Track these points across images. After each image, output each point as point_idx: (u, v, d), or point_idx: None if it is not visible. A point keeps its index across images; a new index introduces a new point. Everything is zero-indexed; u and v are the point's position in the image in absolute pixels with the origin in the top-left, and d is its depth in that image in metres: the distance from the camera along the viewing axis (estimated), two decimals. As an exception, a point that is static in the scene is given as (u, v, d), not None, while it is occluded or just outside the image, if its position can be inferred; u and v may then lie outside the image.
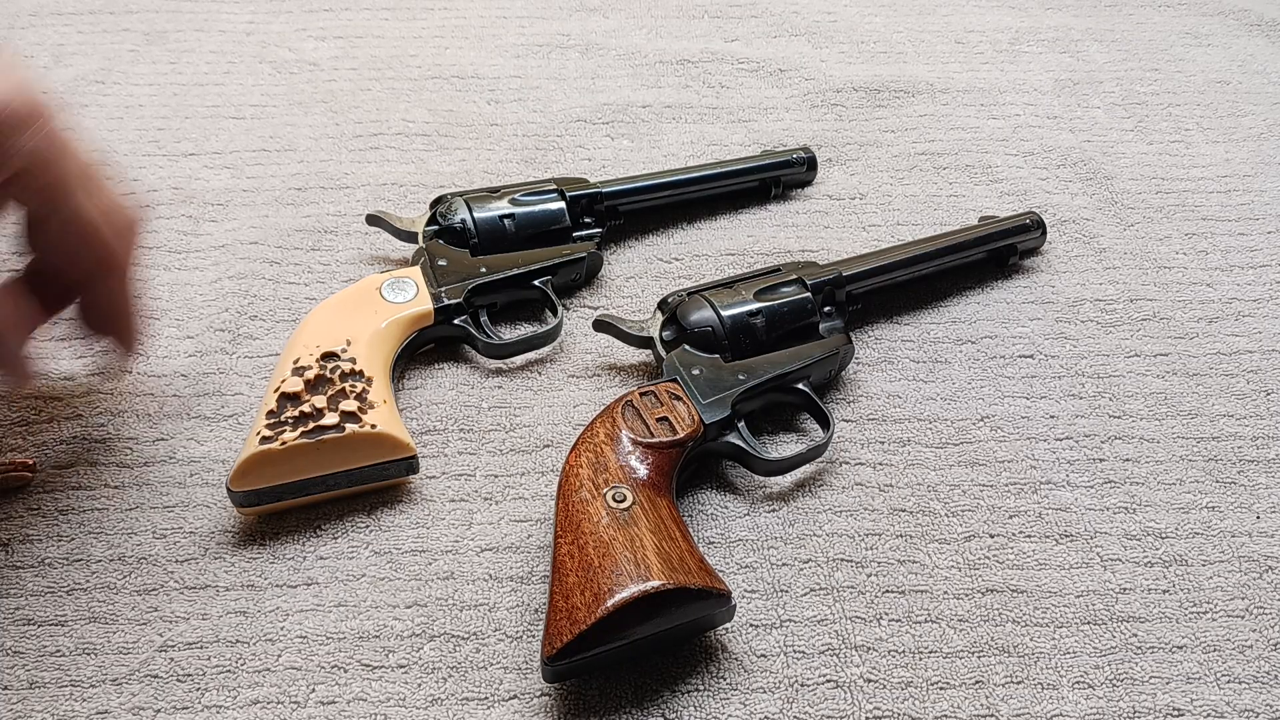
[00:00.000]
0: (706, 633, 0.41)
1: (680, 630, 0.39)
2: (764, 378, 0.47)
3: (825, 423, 0.47)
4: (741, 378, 0.47)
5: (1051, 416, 0.50)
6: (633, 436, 0.43)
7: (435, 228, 0.55)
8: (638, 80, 0.75)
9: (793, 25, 0.82)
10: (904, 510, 0.46)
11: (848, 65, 0.77)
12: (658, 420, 0.44)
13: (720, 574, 0.41)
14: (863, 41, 0.80)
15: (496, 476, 0.47)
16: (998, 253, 0.58)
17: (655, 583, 0.37)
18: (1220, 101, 0.73)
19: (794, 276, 0.51)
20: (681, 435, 0.44)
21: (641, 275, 0.58)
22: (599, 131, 0.69)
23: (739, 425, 0.46)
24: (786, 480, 0.47)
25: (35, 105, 0.37)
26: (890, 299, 0.56)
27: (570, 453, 0.43)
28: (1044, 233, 0.59)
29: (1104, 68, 0.77)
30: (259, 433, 0.43)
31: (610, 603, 0.36)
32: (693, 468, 0.47)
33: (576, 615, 0.37)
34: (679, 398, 0.45)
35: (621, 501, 0.40)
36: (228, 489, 0.43)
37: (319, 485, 0.44)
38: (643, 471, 0.42)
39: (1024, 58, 0.78)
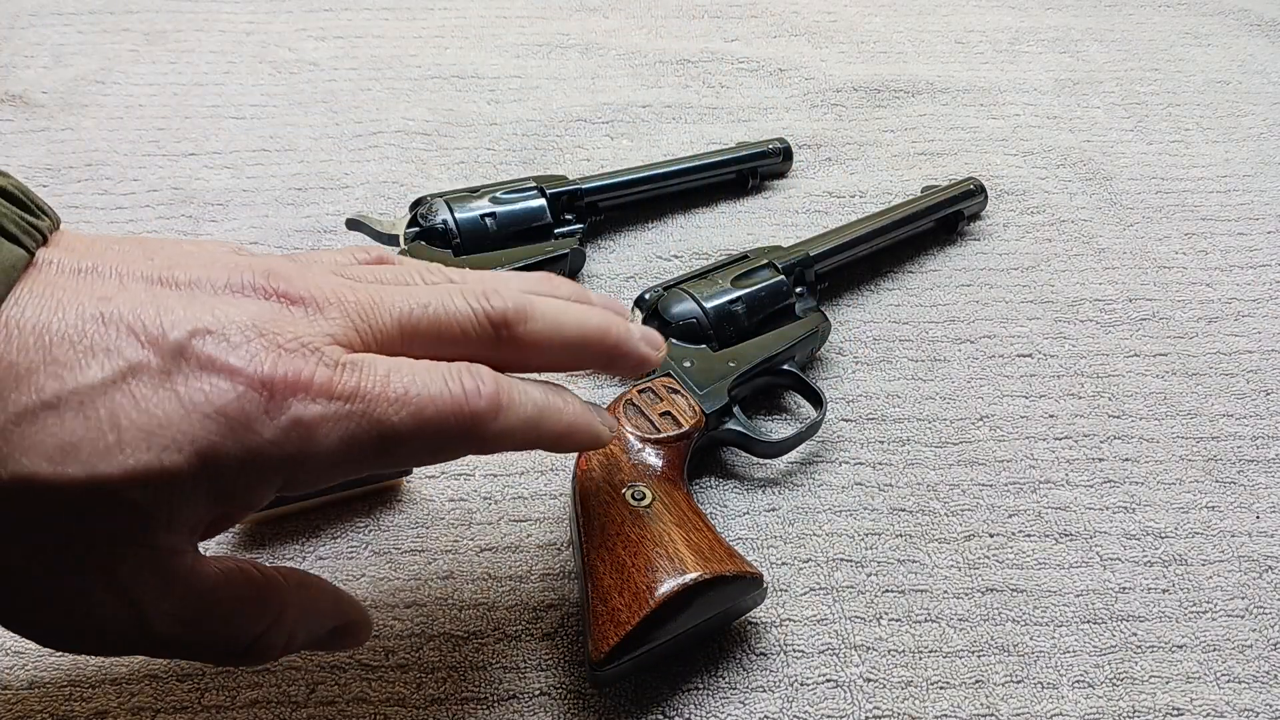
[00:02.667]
0: (741, 617, 0.41)
1: (718, 618, 0.39)
2: (754, 362, 0.48)
3: (818, 401, 0.48)
4: (732, 365, 0.48)
5: (1051, 416, 0.50)
6: (640, 434, 0.43)
7: (416, 229, 0.55)
8: (638, 80, 0.75)
9: (793, 25, 0.82)
10: (903, 510, 0.46)
11: (848, 65, 0.77)
12: (660, 415, 0.44)
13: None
14: (863, 41, 0.80)
15: (496, 476, 0.47)
16: (947, 220, 0.61)
17: (693, 574, 0.37)
18: (1220, 101, 0.73)
19: (765, 261, 0.52)
20: (687, 427, 0.44)
21: (642, 274, 0.58)
22: (599, 131, 0.69)
23: (735, 411, 0.47)
24: (785, 480, 0.47)
25: None
26: (865, 284, 0.57)
27: (579, 457, 0.43)
28: (986, 197, 0.62)
29: (1104, 68, 0.77)
30: None
31: (653, 599, 0.36)
32: (695, 461, 0.47)
33: (619, 616, 0.37)
34: (676, 391, 0.46)
35: (641, 499, 0.40)
36: None
37: (314, 490, 0.44)
38: (656, 467, 0.42)
39: (1024, 58, 0.78)
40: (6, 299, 0.25)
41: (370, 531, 0.45)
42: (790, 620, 0.41)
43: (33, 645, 0.40)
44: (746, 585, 0.39)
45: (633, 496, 0.40)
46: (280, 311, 0.28)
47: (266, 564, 0.30)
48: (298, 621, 0.30)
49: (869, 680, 0.40)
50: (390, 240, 0.56)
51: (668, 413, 0.44)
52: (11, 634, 0.41)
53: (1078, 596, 0.43)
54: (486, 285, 0.32)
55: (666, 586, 0.37)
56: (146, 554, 0.26)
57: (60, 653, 0.40)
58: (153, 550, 0.26)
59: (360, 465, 0.28)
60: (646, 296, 0.51)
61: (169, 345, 0.26)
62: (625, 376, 0.36)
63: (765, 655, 0.40)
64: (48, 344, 0.25)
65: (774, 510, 0.46)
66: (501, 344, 0.32)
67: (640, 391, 0.45)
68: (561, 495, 0.46)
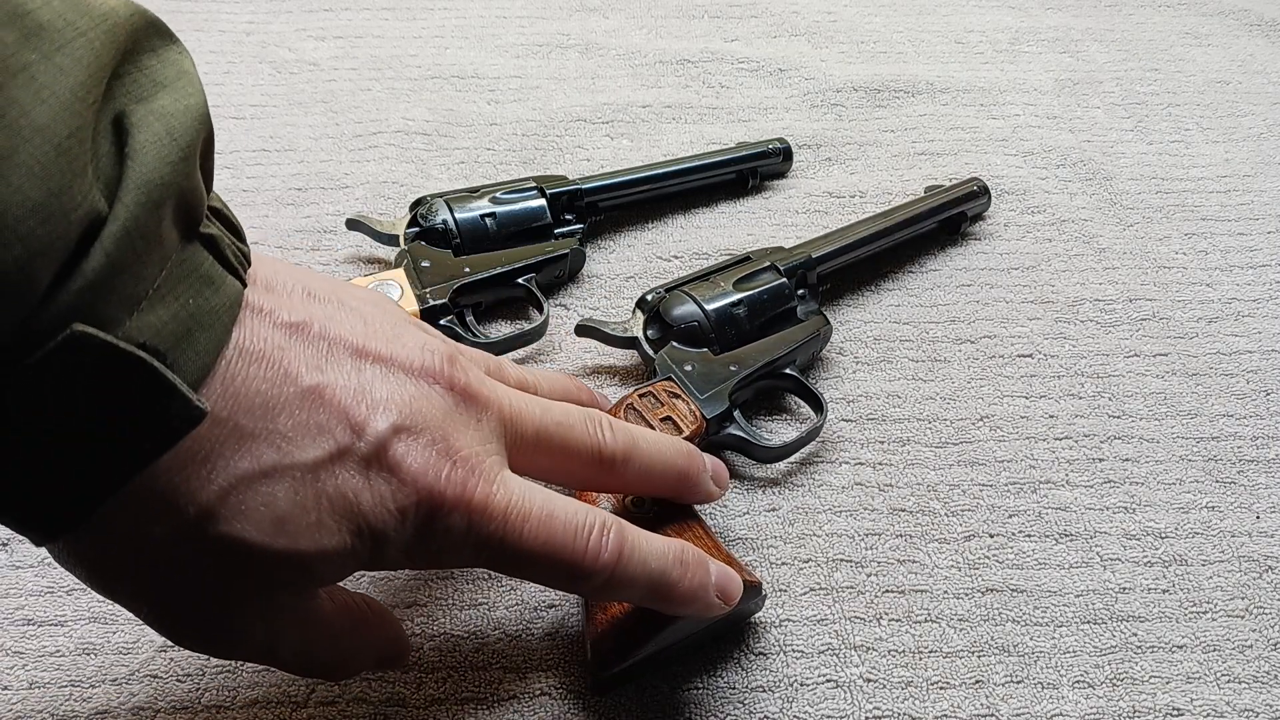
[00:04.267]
0: (741, 623, 0.41)
1: (717, 625, 0.39)
2: (755, 367, 0.48)
3: (818, 405, 0.48)
4: (733, 369, 0.47)
5: (1051, 416, 0.50)
6: None
7: (416, 229, 0.55)
8: (638, 80, 0.75)
9: (793, 25, 0.82)
10: (904, 510, 0.46)
11: (848, 65, 0.77)
12: (661, 420, 0.44)
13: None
14: (863, 41, 0.80)
15: (496, 476, 0.47)
16: (950, 220, 0.60)
17: None
18: (1220, 101, 0.73)
19: (767, 263, 0.52)
20: (688, 432, 0.44)
21: (642, 274, 0.58)
22: (599, 131, 0.69)
23: (736, 415, 0.47)
24: (785, 480, 0.47)
25: None
26: (866, 284, 0.57)
27: None
28: (989, 198, 0.62)
29: (1104, 68, 0.77)
30: None
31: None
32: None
33: (618, 624, 0.37)
34: (678, 395, 0.45)
35: (641, 506, 0.40)
36: None
37: None
38: None
39: (1024, 58, 0.78)
40: (229, 345, 0.26)
41: (370, 531, 0.45)
42: (790, 620, 0.41)
43: (33, 646, 0.40)
44: (746, 592, 0.39)
45: (633, 504, 0.40)
46: (458, 412, 0.31)
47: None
48: (377, 649, 0.34)
49: (869, 680, 0.40)
50: (390, 240, 0.56)
51: (668, 418, 0.44)
52: (11, 635, 0.41)
53: (1078, 597, 0.43)
54: (602, 417, 0.36)
55: None
56: (299, 602, 0.29)
57: (57, 651, 0.40)
58: (303, 600, 0.29)
59: (471, 565, 0.32)
60: (648, 298, 0.51)
61: (373, 436, 0.28)
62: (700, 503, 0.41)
63: (765, 655, 0.40)
64: (271, 412, 0.27)
65: (774, 510, 0.46)
66: (603, 475, 0.36)
67: (641, 396, 0.45)
68: (561, 495, 0.46)
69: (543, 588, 0.42)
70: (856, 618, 0.42)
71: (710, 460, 0.40)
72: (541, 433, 0.34)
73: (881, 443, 0.49)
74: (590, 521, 0.32)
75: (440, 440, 0.30)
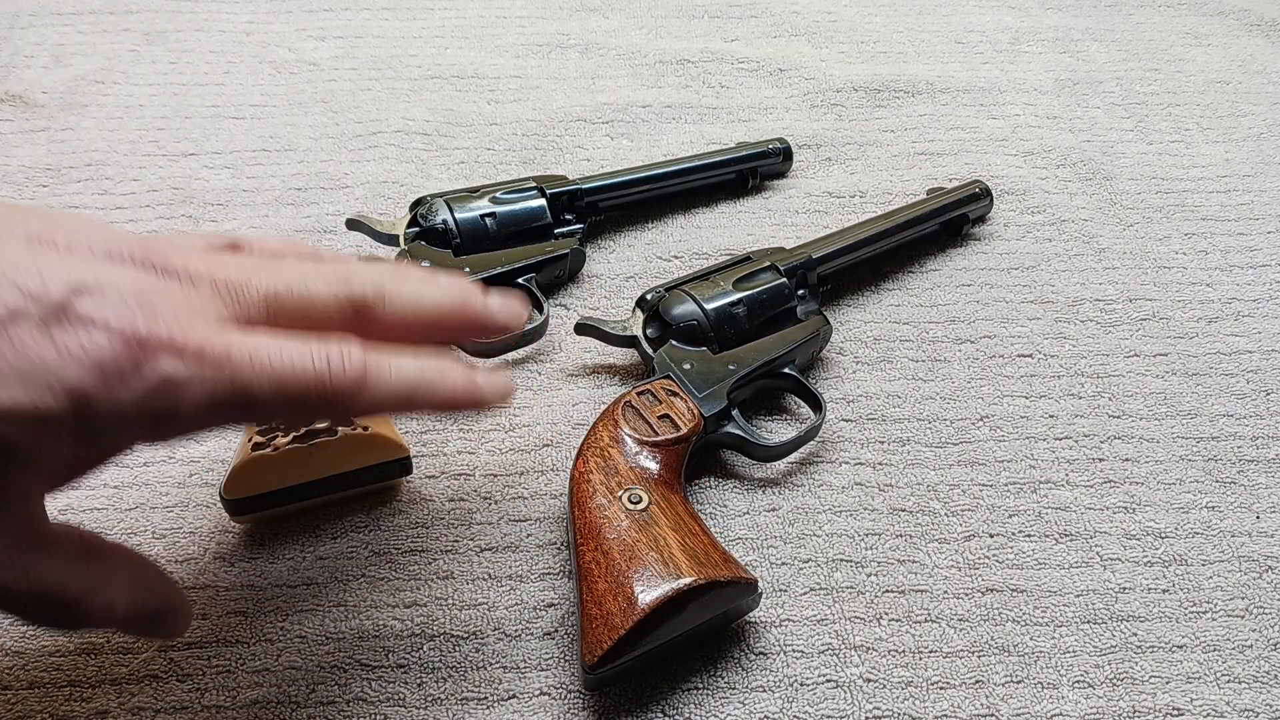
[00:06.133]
0: (736, 621, 0.41)
1: (713, 622, 0.39)
2: (754, 366, 0.48)
3: (817, 404, 0.48)
4: (732, 368, 0.47)
5: (1051, 416, 0.50)
6: (637, 436, 0.43)
7: (416, 229, 0.55)
8: (638, 80, 0.75)
9: (793, 25, 0.82)
10: (904, 510, 0.46)
11: (848, 65, 0.77)
12: (659, 418, 0.44)
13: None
14: (863, 41, 0.80)
15: (496, 476, 0.47)
16: (952, 223, 0.60)
17: (687, 579, 0.37)
18: (1220, 101, 0.73)
19: (767, 263, 0.52)
20: (685, 430, 0.44)
21: (642, 274, 0.58)
22: (599, 131, 0.69)
23: (734, 414, 0.47)
24: (785, 480, 0.47)
25: None
26: (866, 284, 0.57)
27: (577, 459, 0.43)
28: (991, 200, 0.62)
29: (1104, 68, 0.77)
30: (251, 440, 0.43)
31: (647, 604, 0.36)
32: (694, 462, 0.47)
33: (613, 621, 0.37)
34: (675, 393, 0.45)
35: (638, 503, 0.40)
36: (222, 498, 0.42)
37: (313, 490, 0.44)
38: (653, 470, 0.42)
39: (1024, 58, 0.78)
40: None
41: (370, 531, 0.45)
42: (790, 620, 0.41)
43: (34, 645, 0.40)
44: (741, 590, 0.39)
45: (630, 500, 0.40)
46: (156, 281, 0.29)
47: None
48: (122, 591, 0.31)
49: (869, 680, 0.40)
50: (390, 240, 0.56)
51: (666, 415, 0.44)
52: (12, 636, 0.41)
53: (1078, 596, 0.43)
54: (348, 269, 0.33)
55: (661, 591, 0.37)
56: (5, 501, 0.27)
57: (57, 651, 0.40)
58: (9, 499, 0.27)
59: (223, 422, 0.29)
60: (648, 297, 0.51)
61: (50, 298, 0.26)
62: (492, 338, 0.38)
63: (765, 655, 0.40)
64: None
65: (774, 510, 0.46)
66: (363, 324, 0.33)
67: (639, 394, 0.45)
68: (561, 495, 0.46)
69: (542, 587, 0.42)
70: (856, 618, 0.42)
71: (495, 296, 0.37)
72: (271, 294, 0.31)
73: (881, 443, 0.49)
74: (324, 345, 0.30)
75: (138, 299, 0.28)
